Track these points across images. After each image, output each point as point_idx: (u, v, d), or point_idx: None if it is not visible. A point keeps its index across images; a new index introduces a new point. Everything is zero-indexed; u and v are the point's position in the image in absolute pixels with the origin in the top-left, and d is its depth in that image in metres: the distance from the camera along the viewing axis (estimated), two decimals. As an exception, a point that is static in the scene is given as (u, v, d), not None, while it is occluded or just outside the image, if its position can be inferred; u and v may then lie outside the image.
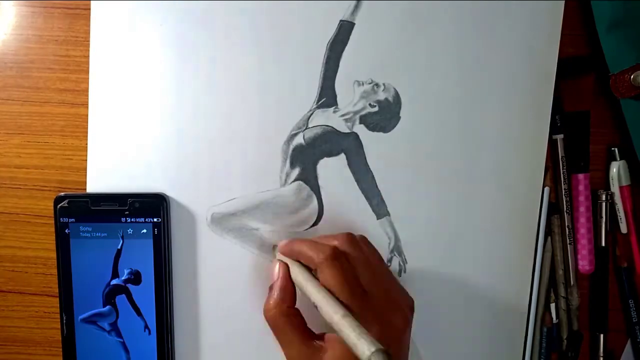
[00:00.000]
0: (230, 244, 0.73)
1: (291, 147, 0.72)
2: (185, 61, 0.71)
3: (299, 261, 0.66)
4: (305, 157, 0.72)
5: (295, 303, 0.65)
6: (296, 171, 0.72)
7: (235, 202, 0.72)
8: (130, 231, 0.70)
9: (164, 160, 0.72)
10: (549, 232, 0.75)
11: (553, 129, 0.74)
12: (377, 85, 0.72)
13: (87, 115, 0.72)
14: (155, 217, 0.70)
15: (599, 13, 0.71)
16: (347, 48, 0.71)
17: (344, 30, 0.71)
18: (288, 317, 0.64)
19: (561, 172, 0.74)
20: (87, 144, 0.72)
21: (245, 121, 0.72)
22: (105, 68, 0.71)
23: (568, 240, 0.75)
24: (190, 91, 0.71)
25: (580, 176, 0.74)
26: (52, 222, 0.72)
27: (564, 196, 0.75)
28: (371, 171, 0.72)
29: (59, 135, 0.74)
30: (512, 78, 0.72)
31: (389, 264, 0.74)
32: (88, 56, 0.71)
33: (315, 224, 0.73)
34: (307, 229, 0.73)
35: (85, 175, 0.72)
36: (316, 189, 0.73)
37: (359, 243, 0.66)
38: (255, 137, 0.72)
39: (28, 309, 0.76)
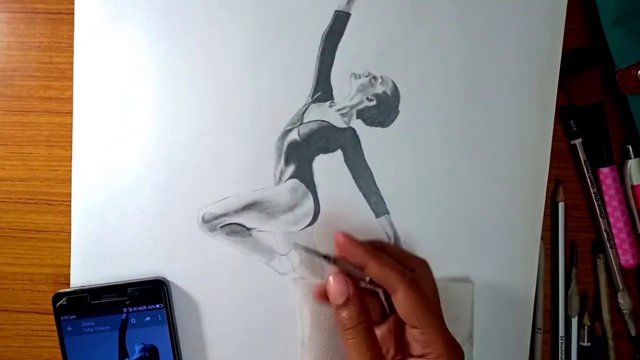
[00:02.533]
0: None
1: (285, 144, 0.70)
2: (174, 58, 0.70)
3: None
4: (300, 154, 0.70)
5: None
6: (291, 168, 0.70)
7: (228, 201, 0.71)
8: (133, 321, 0.69)
9: (152, 161, 0.71)
10: (572, 260, 0.74)
11: (570, 134, 0.72)
12: (374, 78, 0.70)
13: (72, 123, 0.70)
14: (157, 304, 0.69)
15: (604, 6, 0.69)
16: (343, 39, 0.70)
17: (340, 20, 0.70)
18: (369, 335, 0.59)
19: (587, 178, 0.72)
20: (72, 154, 0.71)
21: (237, 117, 0.71)
22: (90, 74, 0.70)
23: (608, 245, 0.73)
24: (180, 88, 0.70)
25: (606, 170, 0.72)
26: (38, 236, 0.72)
27: (594, 200, 0.72)
28: (369, 168, 0.71)
29: (44, 145, 0.72)
30: (515, 70, 0.70)
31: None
32: (72, 63, 0.71)
33: (311, 223, 0.71)
34: (302, 229, 0.71)
35: (71, 186, 0.71)
36: (312, 187, 0.71)
37: (429, 267, 0.63)
38: (248, 134, 0.71)
39: (15, 328, 0.74)
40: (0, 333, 0.74)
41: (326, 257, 0.62)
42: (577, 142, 0.72)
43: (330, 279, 0.60)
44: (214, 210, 0.70)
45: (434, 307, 0.59)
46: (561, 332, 0.73)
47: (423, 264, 0.63)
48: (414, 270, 0.60)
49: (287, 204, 0.70)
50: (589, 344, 0.74)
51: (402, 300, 0.57)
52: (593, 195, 0.72)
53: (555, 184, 0.73)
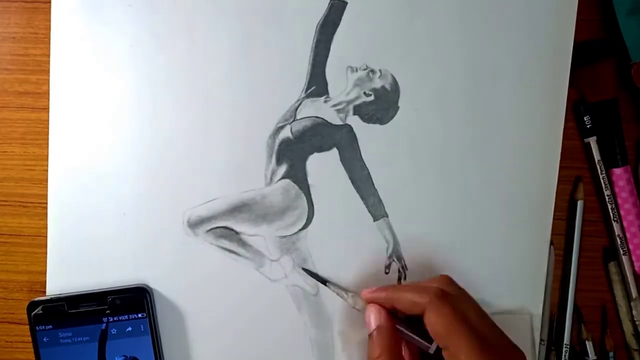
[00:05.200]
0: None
1: (277, 142, 0.68)
2: (158, 49, 0.68)
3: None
4: (293, 153, 0.69)
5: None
6: (283, 168, 0.69)
7: (215, 203, 0.69)
8: (113, 331, 0.67)
9: (134, 160, 0.69)
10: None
11: (583, 132, 0.70)
12: (372, 71, 0.68)
13: (49, 120, 0.69)
14: (140, 313, 0.67)
15: (619, -4, 0.68)
16: (338, 30, 0.68)
17: (335, 10, 0.68)
18: None
19: (601, 179, 0.70)
20: (49, 152, 0.69)
21: (226, 113, 0.69)
22: (68, 67, 0.69)
23: (621, 251, 0.70)
24: (164, 81, 0.69)
25: (619, 170, 0.70)
26: (12, 240, 0.71)
27: (608, 203, 0.70)
28: (366, 167, 0.69)
29: (19, 143, 0.71)
30: (523, 63, 0.69)
31: (387, 271, 0.70)
32: (49, 55, 0.69)
33: (305, 226, 0.69)
34: (296, 232, 0.69)
35: (47, 187, 0.69)
36: (305, 188, 0.69)
37: (456, 283, 0.61)
38: (237, 131, 0.69)
39: (-12, 339, 0.73)
40: (-28, 344, 0.73)
41: (324, 282, 0.67)
42: (592, 140, 0.70)
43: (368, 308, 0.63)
44: (200, 212, 0.68)
45: (468, 322, 0.55)
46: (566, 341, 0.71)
47: (443, 280, 0.60)
48: (439, 288, 0.58)
49: (278, 206, 0.69)
50: (595, 358, 0.71)
51: (429, 317, 0.55)
52: (606, 198, 0.70)
53: (575, 180, 0.71)
